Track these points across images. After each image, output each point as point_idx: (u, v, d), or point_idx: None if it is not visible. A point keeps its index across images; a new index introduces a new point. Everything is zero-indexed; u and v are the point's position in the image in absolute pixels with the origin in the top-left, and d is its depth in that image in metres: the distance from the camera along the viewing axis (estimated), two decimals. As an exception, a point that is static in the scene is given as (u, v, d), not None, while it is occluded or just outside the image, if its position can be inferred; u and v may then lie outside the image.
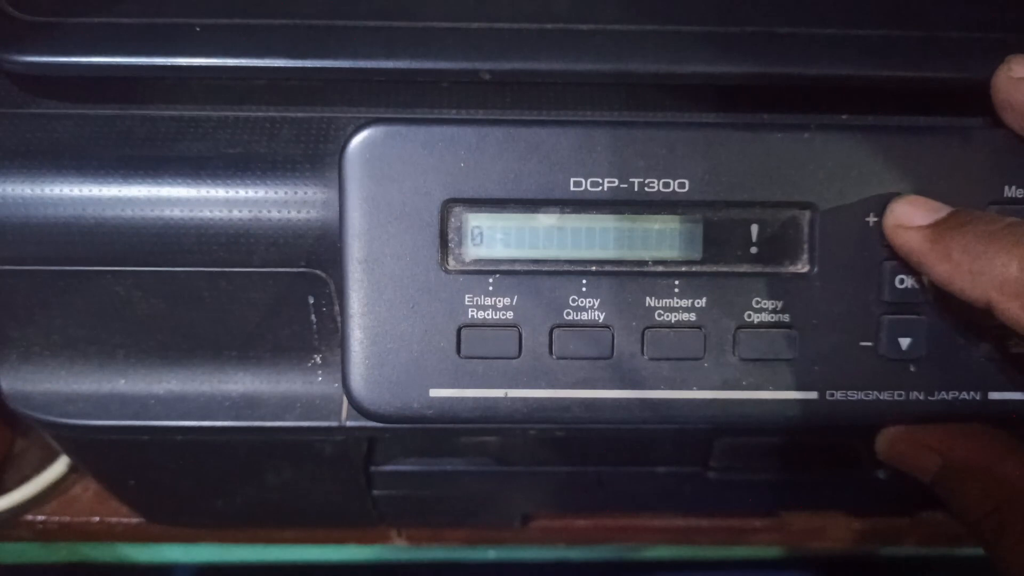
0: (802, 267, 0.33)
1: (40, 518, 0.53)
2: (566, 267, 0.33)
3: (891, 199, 0.32)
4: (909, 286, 0.32)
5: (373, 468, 0.46)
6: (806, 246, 0.33)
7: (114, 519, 0.53)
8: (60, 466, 0.52)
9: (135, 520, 0.53)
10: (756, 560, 0.61)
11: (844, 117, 0.34)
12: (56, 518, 0.53)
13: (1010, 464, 0.32)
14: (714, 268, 0.33)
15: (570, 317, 0.33)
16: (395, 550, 0.57)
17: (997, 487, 0.32)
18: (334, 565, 0.60)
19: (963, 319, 0.32)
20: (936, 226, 0.30)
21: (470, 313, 0.33)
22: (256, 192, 0.33)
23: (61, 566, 0.58)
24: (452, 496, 0.49)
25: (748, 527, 0.54)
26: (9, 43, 0.33)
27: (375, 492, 0.48)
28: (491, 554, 0.59)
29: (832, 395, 0.33)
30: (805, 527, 0.55)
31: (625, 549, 0.58)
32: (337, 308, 0.36)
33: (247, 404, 0.38)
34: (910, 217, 0.31)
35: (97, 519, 0.53)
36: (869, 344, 0.33)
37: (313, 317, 0.36)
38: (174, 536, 0.54)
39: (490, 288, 0.33)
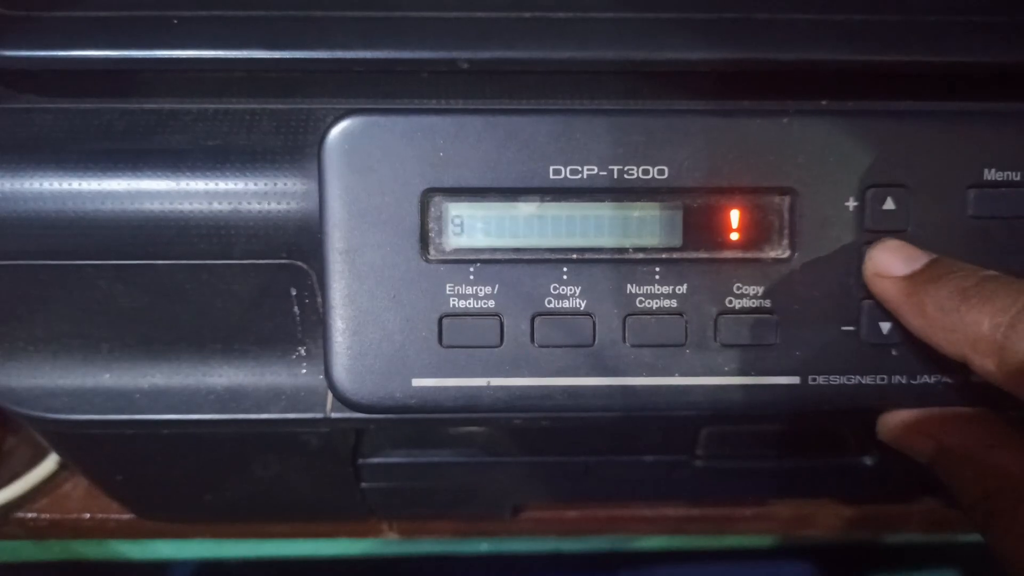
0: (782, 252, 0.33)
1: (31, 515, 0.52)
2: (547, 255, 0.33)
3: (871, 245, 0.32)
4: (889, 270, 0.32)
5: (361, 460, 0.46)
6: (786, 231, 0.33)
7: (105, 515, 0.53)
8: (50, 463, 0.52)
9: (126, 516, 0.53)
10: (746, 549, 0.61)
11: (823, 103, 0.34)
12: (47, 515, 0.53)
13: (1001, 452, 0.32)
14: (695, 255, 0.33)
15: (551, 305, 0.33)
16: (387, 544, 0.57)
17: (987, 475, 0.31)
18: (326, 560, 0.60)
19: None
20: (912, 278, 0.30)
21: (451, 302, 0.33)
22: (236, 184, 0.33)
23: (55, 564, 0.58)
24: (441, 487, 0.49)
25: (738, 516, 0.54)
26: (-13, 38, 0.33)
27: (364, 484, 0.48)
28: (483, 547, 0.59)
29: (814, 380, 0.33)
30: (794, 515, 0.55)
31: (616, 540, 0.59)
32: (320, 299, 0.36)
33: (232, 397, 0.38)
34: (888, 266, 0.31)
35: (88, 516, 0.53)
36: (850, 329, 0.33)
37: (296, 309, 0.36)
38: (166, 532, 0.54)
39: (471, 277, 0.33)
